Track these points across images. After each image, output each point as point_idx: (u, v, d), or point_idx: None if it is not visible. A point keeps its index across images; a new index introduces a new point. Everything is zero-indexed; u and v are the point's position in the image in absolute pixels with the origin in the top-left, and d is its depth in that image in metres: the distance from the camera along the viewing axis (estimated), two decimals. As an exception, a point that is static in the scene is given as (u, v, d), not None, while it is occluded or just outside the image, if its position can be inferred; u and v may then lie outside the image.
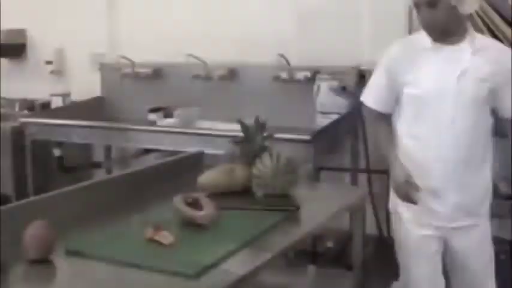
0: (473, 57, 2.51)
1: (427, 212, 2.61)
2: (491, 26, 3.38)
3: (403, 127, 2.64)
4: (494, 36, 3.31)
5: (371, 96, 2.72)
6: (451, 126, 2.51)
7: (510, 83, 2.55)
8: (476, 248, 2.65)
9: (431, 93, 2.53)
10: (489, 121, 2.62)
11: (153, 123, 4.25)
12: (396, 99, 2.63)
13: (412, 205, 2.61)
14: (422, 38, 2.56)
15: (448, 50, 2.53)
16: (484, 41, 2.66)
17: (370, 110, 2.72)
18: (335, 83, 3.85)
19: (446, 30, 2.51)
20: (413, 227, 2.66)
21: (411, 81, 2.57)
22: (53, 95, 4.78)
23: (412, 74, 2.57)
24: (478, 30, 3.06)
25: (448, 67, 2.52)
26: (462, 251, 2.65)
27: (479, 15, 3.32)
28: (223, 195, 2.26)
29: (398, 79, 2.60)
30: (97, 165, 4.64)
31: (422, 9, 2.49)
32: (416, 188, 2.52)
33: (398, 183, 2.56)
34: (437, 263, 2.66)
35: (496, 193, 2.78)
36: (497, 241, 2.70)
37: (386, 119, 2.69)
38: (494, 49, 2.61)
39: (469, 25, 2.58)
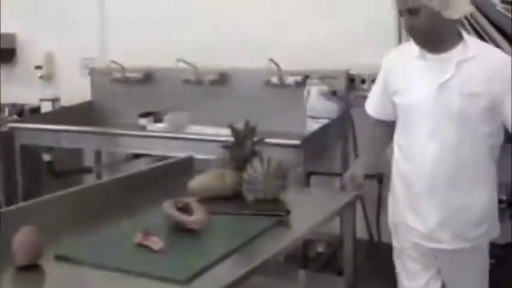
0: (460, 66, 2.35)
1: (409, 229, 2.56)
2: (481, 33, 3.38)
3: (395, 137, 2.61)
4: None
5: (370, 103, 2.74)
6: (431, 141, 2.40)
7: (510, 93, 2.33)
8: (467, 272, 2.58)
9: (413, 103, 2.44)
10: (491, 139, 2.44)
11: (143, 128, 4.24)
12: (394, 108, 2.57)
13: (398, 218, 2.61)
14: (414, 45, 2.45)
15: (433, 59, 2.41)
16: (479, 47, 2.45)
17: (369, 116, 2.75)
18: (325, 88, 3.86)
19: (431, 37, 2.37)
20: (400, 241, 2.64)
21: (401, 90, 2.51)
22: (42, 99, 4.75)
23: (402, 82, 2.50)
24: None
25: (431, 77, 2.40)
26: (451, 274, 2.59)
27: (468, 21, 3.32)
28: (213, 200, 2.25)
29: (390, 88, 2.56)
30: (87, 170, 4.62)
31: (405, 17, 2.38)
32: (354, 188, 2.62)
33: (343, 181, 2.72)
34: (430, 279, 2.59)
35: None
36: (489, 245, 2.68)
37: (387, 126, 2.66)
38: (489, 57, 2.41)
39: (462, 31, 2.45)
